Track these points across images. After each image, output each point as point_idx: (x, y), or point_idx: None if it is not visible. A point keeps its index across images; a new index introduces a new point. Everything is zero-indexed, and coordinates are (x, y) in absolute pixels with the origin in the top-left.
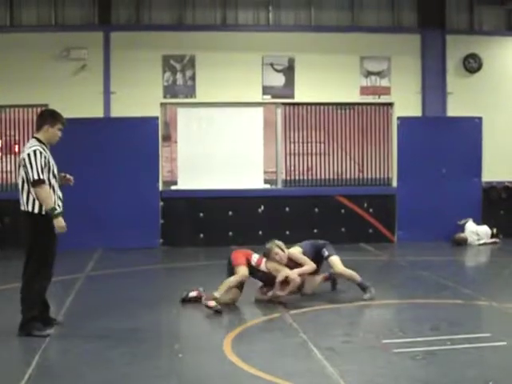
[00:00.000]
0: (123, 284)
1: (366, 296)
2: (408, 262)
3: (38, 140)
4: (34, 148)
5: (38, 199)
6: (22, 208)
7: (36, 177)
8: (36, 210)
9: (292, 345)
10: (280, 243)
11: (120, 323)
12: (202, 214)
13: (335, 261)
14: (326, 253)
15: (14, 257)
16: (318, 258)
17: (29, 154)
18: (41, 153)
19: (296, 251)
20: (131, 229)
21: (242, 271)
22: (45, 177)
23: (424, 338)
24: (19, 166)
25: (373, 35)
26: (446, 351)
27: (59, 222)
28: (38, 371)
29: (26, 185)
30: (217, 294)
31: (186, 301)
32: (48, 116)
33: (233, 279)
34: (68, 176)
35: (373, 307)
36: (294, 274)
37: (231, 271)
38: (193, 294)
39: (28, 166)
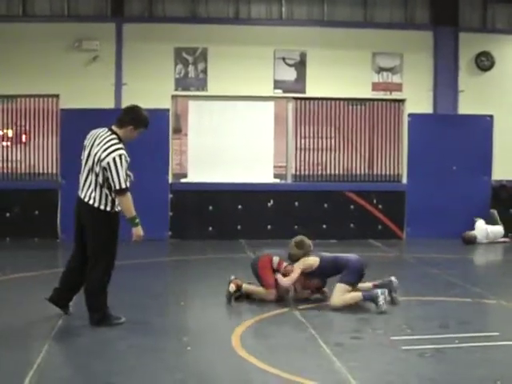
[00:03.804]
0: (131, 276)
1: (378, 308)
2: (416, 259)
3: (119, 137)
4: (120, 152)
5: (120, 206)
6: (91, 202)
7: (123, 186)
8: (108, 208)
9: (301, 340)
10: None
11: (128, 315)
12: (211, 207)
13: (335, 290)
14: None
15: (22, 246)
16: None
17: (115, 159)
18: (125, 157)
19: (311, 264)
20: (140, 220)
21: (270, 296)
22: (128, 184)
23: (432, 336)
24: (88, 157)
25: (385, 31)
26: (455, 349)
27: (139, 231)
28: (47, 360)
29: (100, 182)
30: (244, 285)
31: (232, 297)
32: (135, 118)
33: (260, 295)
34: (128, 172)
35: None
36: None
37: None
38: (233, 287)
39: (114, 172)
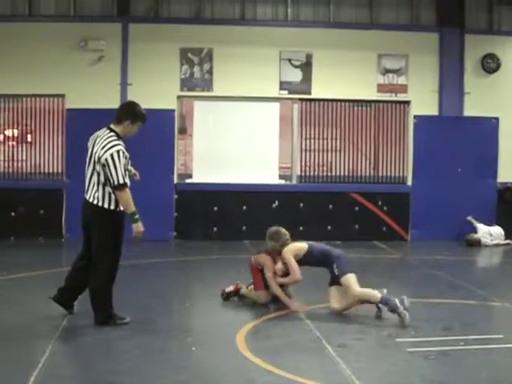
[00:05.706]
0: (136, 276)
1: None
2: (421, 260)
3: (117, 134)
4: (117, 148)
5: (119, 202)
6: (95, 202)
7: (121, 181)
8: (112, 207)
9: (305, 341)
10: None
11: (133, 315)
12: (215, 208)
13: (350, 280)
14: (337, 271)
15: (26, 246)
16: (322, 265)
17: (112, 155)
18: (123, 153)
19: (299, 248)
20: (145, 221)
21: (261, 298)
22: (127, 180)
23: (437, 338)
24: (90, 158)
25: (391, 33)
26: (459, 352)
27: (139, 228)
28: (51, 360)
29: (102, 181)
30: (243, 290)
31: (226, 297)
32: (131, 112)
33: (253, 298)
34: (134, 171)
35: None
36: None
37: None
38: (230, 288)
39: (112, 168)
